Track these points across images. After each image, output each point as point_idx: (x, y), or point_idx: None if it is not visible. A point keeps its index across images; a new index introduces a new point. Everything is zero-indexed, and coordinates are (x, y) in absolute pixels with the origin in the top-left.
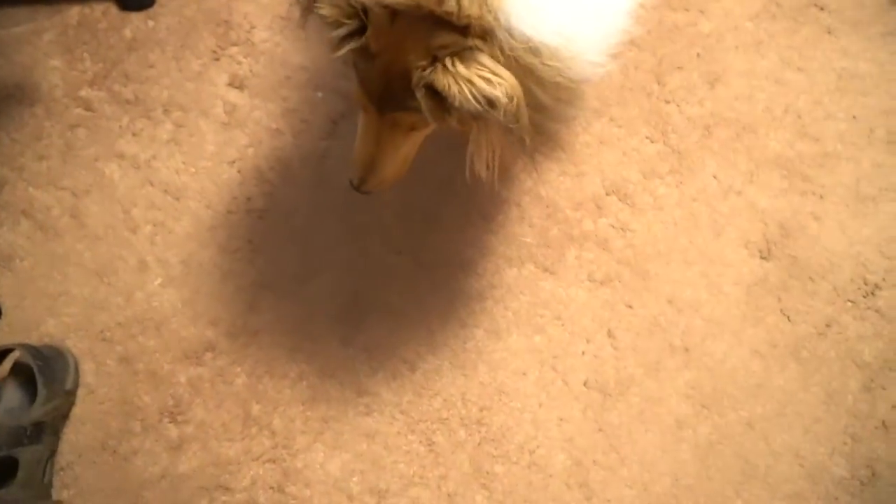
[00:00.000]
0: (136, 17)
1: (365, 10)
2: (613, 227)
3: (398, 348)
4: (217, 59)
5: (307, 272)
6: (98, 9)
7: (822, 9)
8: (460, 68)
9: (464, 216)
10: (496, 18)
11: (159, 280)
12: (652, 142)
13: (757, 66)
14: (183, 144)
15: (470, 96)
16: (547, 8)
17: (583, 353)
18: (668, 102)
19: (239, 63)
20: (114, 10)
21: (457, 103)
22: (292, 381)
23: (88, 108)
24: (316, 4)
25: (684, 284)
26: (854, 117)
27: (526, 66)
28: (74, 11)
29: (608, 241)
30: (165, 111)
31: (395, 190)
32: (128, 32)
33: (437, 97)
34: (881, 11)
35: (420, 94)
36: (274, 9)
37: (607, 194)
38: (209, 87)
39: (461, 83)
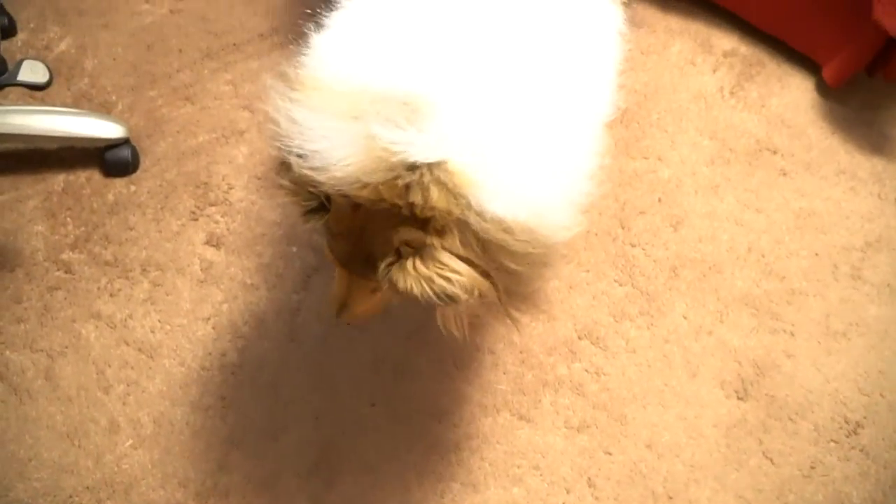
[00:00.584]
0: (118, 183)
1: (327, 196)
2: (587, 371)
3: None
4: (195, 219)
5: (277, 427)
6: (82, 175)
7: (774, 152)
8: (420, 268)
9: (437, 364)
10: (467, 206)
11: (130, 441)
12: (620, 285)
13: (717, 209)
14: (159, 303)
15: (431, 293)
16: (514, 186)
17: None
18: (633, 246)
19: (216, 222)
20: (97, 176)
21: (420, 299)
22: None
23: (68, 270)
24: (280, 186)
25: (662, 428)
26: (816, 254)
27: (499, 244)
28: (60, 178)
29: (583, 385)
30: (143, 271)
31: (366, 340)
32: (110, 197)
33: (393, 285)
34: (830, 152)
35: (384, 283)
36: (251, 169)
37: (580, 338)
38: (187, 246)
39: (422, 282)
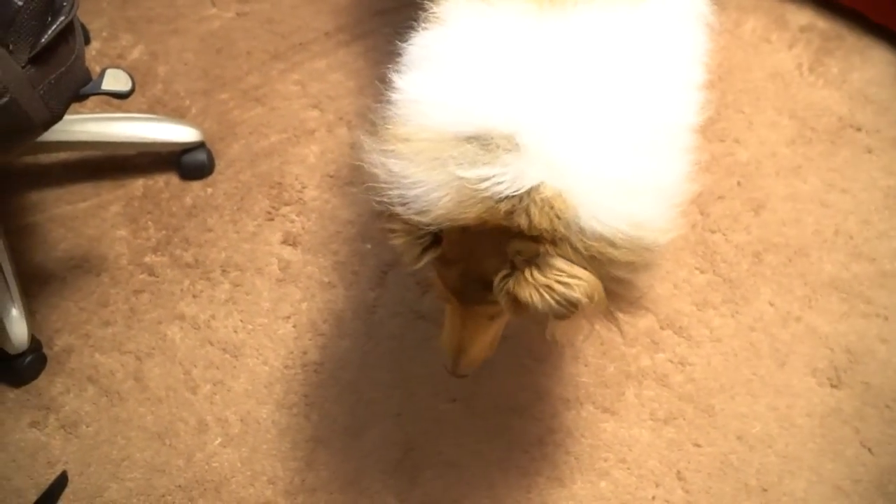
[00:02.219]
0: (195, 186)
1: (437, 230)
2: (671, 361)
3: (458, 503)
4: (271, 220)
5: (360, 425)
6: (161, 179)
7: (858, 129)
8: (538, 276)
9: (515, 359)
10: (567, 226)
11: (219, 440)
12: (702, 272)
13: (800, 191)
14: (240, 303)
15: (552, 301)
16: (613, 201)
17: (653, 497)
18: (713, 232)
19: (292, 221)
20: (175, 179)
21: (540, 309)
22: None
23: (152, 273)
24: (391, 237)
25: (753, 419)
26: None
27: (603, 257)
28: (139, 183)
29: (667, 376)
30: (223, 272)
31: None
32: (188, 200)
33: (517, 302)
34: None
35: (502, 299)
36: (322, 168)
37: (662, 328)
38: (264, 247)
39: (542, 291)
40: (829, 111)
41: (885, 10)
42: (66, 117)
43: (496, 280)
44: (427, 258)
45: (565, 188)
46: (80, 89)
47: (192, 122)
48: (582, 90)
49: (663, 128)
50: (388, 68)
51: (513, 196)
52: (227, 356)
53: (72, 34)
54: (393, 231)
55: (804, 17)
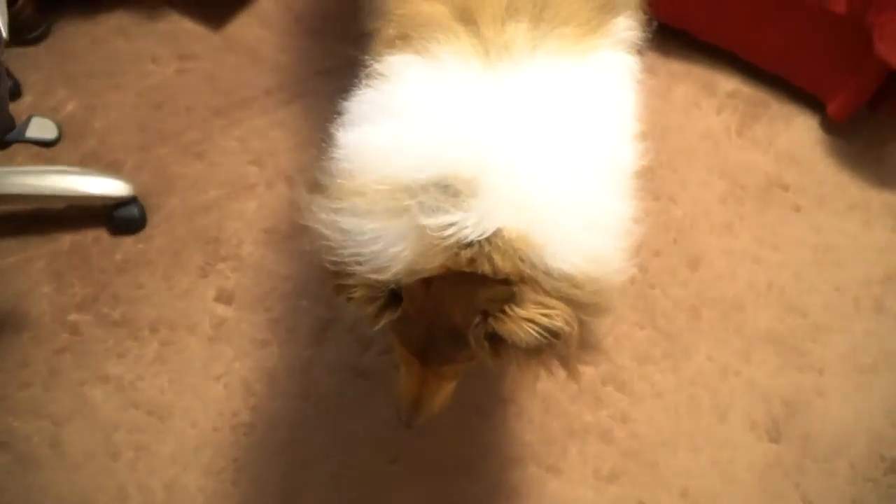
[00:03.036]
0: (127, 241)
1: (395, 287)
2: (614, 417)
3: None
4: (205, 276)
5: (294, 490)
6: (90, 235)
7: (785, 189)
8: (519, 311)
9: (458, 414)
10: (533, 267)
11: None
12: (641, 328)
13: (733, 246)
14: (169, 363)
15: (536, 335)
16: (577, 238)
17: None
18: (652, 287)
19: (227, 278)
20: (105, 235)
21: (523, 345)
22: None
23: (75, 332)
24: (348, 295)
25: (696, 474)
26: (837, 289)
27: (569, 298)
28: (66, 239)
29: (610, 432)
30: (153, 330)
31: (382, 394)
32: (119, 256)
33: (496, 344)
34: (841, 186)
35: (479, 346)
36: (260, 223)
37: (604, 384)
38: (197, 304)
39: (525, 325)
40: (757, 171)
41: (806, 76)
42: None
43: (470, 329)
44: (386, 318)
45: (529, 228)
46: (3, 136)
47: (126, 177)
48: (536, 135)
49: (611, 171)
50: (330, 126)
51: (475, 242)
52: (153, 419)
53: None
54: (348, 293)
55: (731, 83)
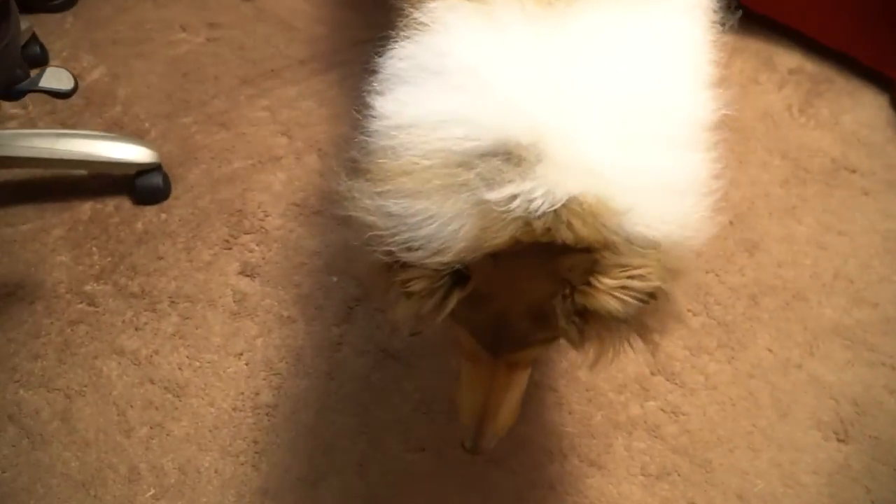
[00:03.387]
0: (149, 211)
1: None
2: (664, 410)
3: None
4: (229, 249)
5: (316, 475)
6: (111, 203)
7: (852, 171)
8: (606, 281)
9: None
10: (615, 234)
11: (151, 491)
12: (694, 315)
13: (795, 232)
14: (188, 338)
15: (634, 301)
16: (657, 202)
17: None
18: (706, 272)
19: (251, 251)
20: (127, 204)
21: (622, 315)
22: None
23: (91, 303)
24: (406, 290)
25: (754, 475)
26: None
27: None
28: (86, 207)
29: (660, 427)
30: (172, 303)
31: (413, 378)
32: (139, 226)
33: (583, 320)
34: None
35: (568, 322)
36: (288, 196)
37: (653, 374)
38: (219, 277)
39: (618, 295)
40: (821, 152)
41: (873, 52)
42: (13, 132)
43: (558, 302)
44: (453, 302)
45: (606, 194)
46: (16, 84)
47: (150, 145)
48: (603, 89)
49: (685, 124)
50: (365, 92)
51: (549, 211)
52: (169, 396)
53: (5, 19)
54: (405, 282)
55: (793, 59)
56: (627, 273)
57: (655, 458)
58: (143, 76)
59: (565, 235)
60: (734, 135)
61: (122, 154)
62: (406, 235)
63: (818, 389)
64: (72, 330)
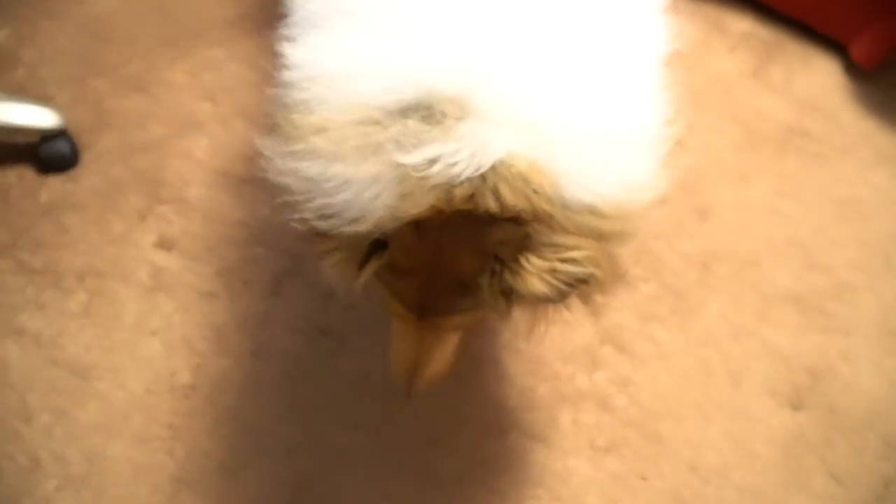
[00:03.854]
0: (54, 180)
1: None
2: (613, 382)
3: None
4: (144, 220)
5: (239, 461)
6: (12, 173)
7: (805, 136)
8: (536, 262)
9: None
10: (549, 201)
11: (54, 482)
12: (645, 282)
13: (748, 198)
14: (96, 316)
15: (562, 286)
16: (599, 162)
17: None
18: (656, 239)
19: (169, 223)
20: (30, 173)
21: (548, 298)
22: None
23: None
24: (328, 260)
25: (706, 447)
26: (864, 244)
27: (594, 231)
28: None
29: (608, 398)
30: (79, 279)
31: (346, 355)
32: (44, 196)
33: (512, 296)
34: (867, 135)
35: (495, 300)
36: (211, 164)
37: (601, 344)
38: (132, 251)
39: (546, 277)
40: (774, 117)
41: (825, 18)
42: None
43: (485, 281)
44: (368, 270)
45: (540, 155)
46: None
47: (56, 109)
48: (538, 30)
49: (635, 63)
50: (275, 38)
51: (473, 176)
52: (75, 379)
53: None
54: (323, 252)
55: (744, 24)
56: (559, 255)
57: (604, 431)
58: (51, 38)
59: (491, 204)
60: (685, 99)
61: (24, 118)
62: (320, 202)
63: (771, 357)
64: None
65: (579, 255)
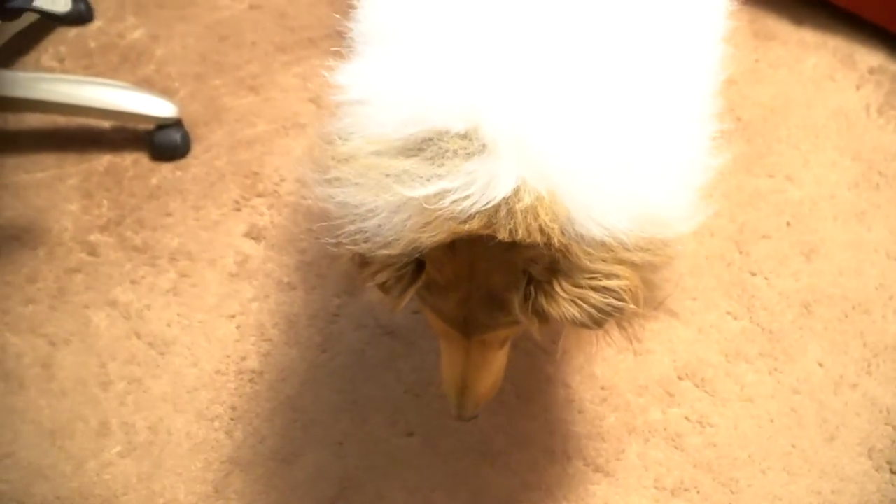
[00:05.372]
0: (165, 167)
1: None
2: (688, 419)
3: None
4: (238, 209)
5: (292, 450)
6: (129, 157)
7: None
8: (568, 287)
9: (496, 395)
10: (564, 233)
11: (118, 448)
12: (735, 318)
13: (863, 238)
14: (182, 295)
15: (594, 312)
16: (614, 196)
17: None
18: (753, 275)
19: (261, 214)
20: (145, 159)
21: (581, 323)
22: None
23: (92, 252)
24: (374, 283)
25: (787, 502)
26: None
27: (623, 260)
28: (104, 159)
29: (681, 437)
30: (172, 259)
31: (410, 357)
32: (153, 181)
33: (545, 315)
34: None
35: (528, 320)
36: (307, 163)
37: (680, 378)
38: (224, 238)
39: (578, 303)
40: None
41: None
42: (36, 74)
43: (517, 301)
44: (411, 292)
45: (551, 189)
46: (9, 1)
47: (173, 100)
48: (551, 63)
49: (670, 92)
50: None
51: (484, 210)
52: (153, 352)
53: None
54: (365, 277)
55: (875, 58)
56: (592, 283)
57: (673, 471)
58: (181, 38)
59: (504, 235)
60: (802, 132)
61: (143, 106)
62: (355, 227)
63: (873, 413)
64: (69, 278)
65: (613, 283)
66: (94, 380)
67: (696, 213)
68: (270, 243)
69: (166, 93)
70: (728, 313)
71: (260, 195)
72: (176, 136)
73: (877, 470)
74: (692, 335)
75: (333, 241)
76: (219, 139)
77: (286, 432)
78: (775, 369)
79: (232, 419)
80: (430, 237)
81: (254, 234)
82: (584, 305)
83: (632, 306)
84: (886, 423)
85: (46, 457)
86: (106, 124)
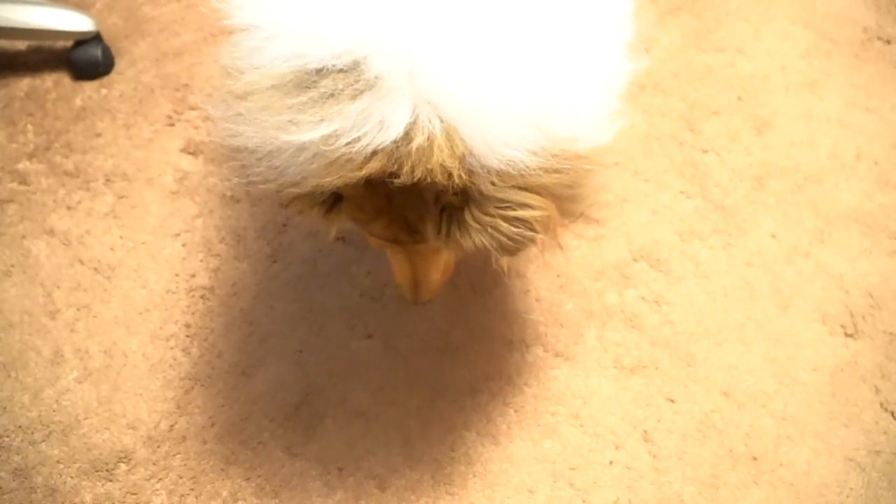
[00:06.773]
0: (88, 87)
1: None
2: (645, 299)
3: (364, 459)
4: (172, 125)
5: (251, 362)
6: (49, 79)
7: (887, 42)
8: (479, 216)
9: (451, 290)
10: (460, 170)
11: (74, 374)
12: (688, 197)
13: (815, 109)
14: (122, 217)
15: (505, 241)
16: (521, 122)
17: (610, 462)
18: (705, 152)
19: (196, 128)
20: (66, 80)
21: (494, 252)
22: (224, 502)
23: (23, 181)
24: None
25: (744, 371)
26: None
27: (535, 186)
28: (23, 83)
29: (639, 317)
30: (108, 182)
31: (363, 261)
32: (78, 102)
33: (458, 245)
34: None
35: (444, 246)
36: None
37: (635, 260)
38: (159, 155)
39: (489, 232)
40: (852, 21)
41: None
42: None
43: (430, 232)
44: (335, 224)
45: (447, 124)
46: None
47: (89, 14)
48: None
49: (571, 16)
50: None
51: (381, 151)
52: (99, 277)
53: None
54: (289, 206)
55: None
56: (503, 213)
57: (631, 350)
58: None
59: (405, 178)
60: (751, 3)
61: (57, 22)
62: (261, 166)
63: (827, 280)
64: (1, 209)
65: (524, 214)
66: (40, 309)
67: (613, 121)
68: (209, 157)
69: (81, 6)
70: (681, 192)
71: (193, 108)
72: (96, 51)
73: (831, 334)
74: (646, 217)
75: (244, 180)
76: (143, 52)
77: (243, 346)
78: (729, 244)
79: (187, 336)
80: (332, 180)
81: (191, 149)
82: (496, 234)
83: (539, 236)
84: (840, 289)
85: (1, 389)
86: (20, 45)
